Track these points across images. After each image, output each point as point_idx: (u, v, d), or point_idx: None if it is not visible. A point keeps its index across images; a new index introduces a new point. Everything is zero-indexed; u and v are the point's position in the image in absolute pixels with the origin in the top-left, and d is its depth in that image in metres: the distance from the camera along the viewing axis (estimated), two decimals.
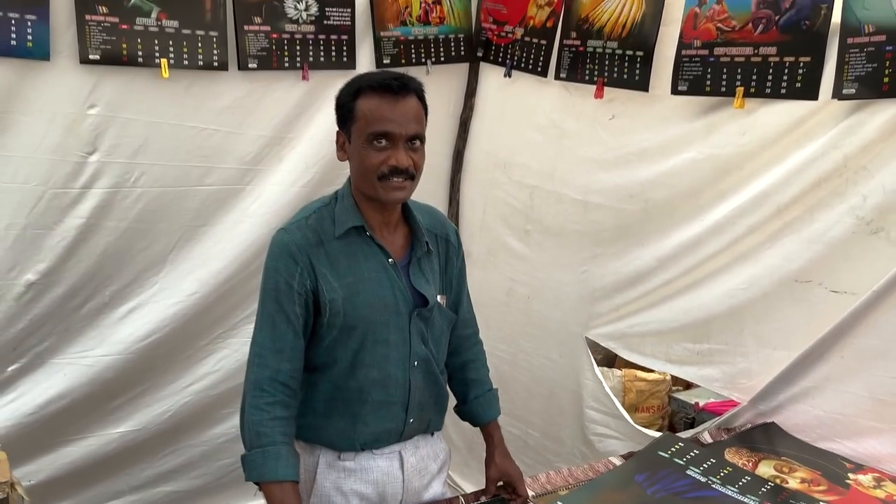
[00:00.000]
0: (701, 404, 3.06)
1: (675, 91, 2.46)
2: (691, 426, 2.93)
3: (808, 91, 2.18)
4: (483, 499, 1.92)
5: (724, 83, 2.35)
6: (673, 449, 2.14)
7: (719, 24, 2.34)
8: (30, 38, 2.29)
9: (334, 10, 2.79)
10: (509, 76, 3.04)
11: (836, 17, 2.10)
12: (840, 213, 2.16)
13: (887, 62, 1.99)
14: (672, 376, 3.15)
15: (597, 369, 2.91)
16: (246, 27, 2.64)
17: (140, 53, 2.47)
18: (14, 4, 2.26)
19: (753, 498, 1.90)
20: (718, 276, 2.46)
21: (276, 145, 2.81)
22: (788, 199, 2.26)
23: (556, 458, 3.04)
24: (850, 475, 2.04)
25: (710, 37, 2.36)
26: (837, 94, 2.10)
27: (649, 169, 2.62)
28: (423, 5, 3.00)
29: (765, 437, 2.24)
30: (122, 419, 2.80)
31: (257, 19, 2.65)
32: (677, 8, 2.45)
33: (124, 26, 2.43)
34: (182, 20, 2.51)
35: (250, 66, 2.66)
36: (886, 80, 2.00)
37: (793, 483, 2.00)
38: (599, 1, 2.67)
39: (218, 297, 2.82)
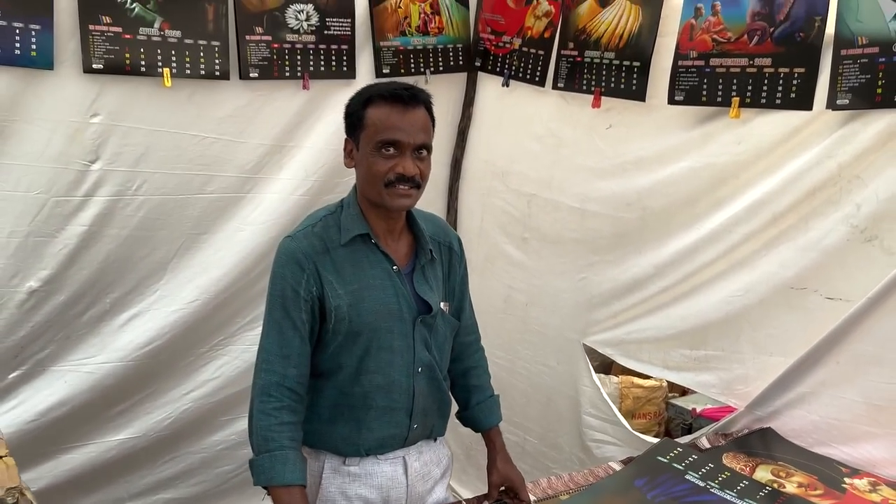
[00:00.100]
0: (698, 410, 3.09)
1: (671, 101, 2.50)
2: (688, 432, 2.96)
3: (803, 101, 2.21)
4: (486, 503, 1.94)
5: (719, 93, 2.39)
6: (672, 454, 2.16)
7: (715, 36, 2.38)
8: (34, 47, 2.30)
9: (335, 20, 2.82)
10: (507, 86, 3.07)
11: (830, 29, 2.14)
12: (834, 222, 2.19)
13: (880, 73, 2.03)
14: (668, 383, 3.18)
15: (594, 376, 2.93)
16: (247, 37, 2.66)
17: (143, 63, 2.49)
18: (18, 14, 2.27)
19: (751, 502, 1.93)
20: (715, 284, 2.49)
21: (277, 154, 2.83)
22: (784, 207, 2.29)
23: (554, 464, 3.06)
24: (847, 479, 2.07)
25: (707, 48, 2.40)
26: (831, 104, 2.14)
27: (646, 177, 2.65)
28: (422, 16, 3.03)
29: (762, 443, 2.27)
30: (123, 426, 2.80)
31: (259, 29, 2.68)
32: (674, 20, 2.49)
33: (127, 36, 2.45)
34: (184, 30, 2.54)
35: (251, 75, 2.68)
36: (879, 90, 2.04)
37: (790, 487, 2.03)
38: (597, 12, 2.71)
39: (218, 305, 2.84)
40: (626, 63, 2.63)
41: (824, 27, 2.15)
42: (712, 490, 1.98)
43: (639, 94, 2.60)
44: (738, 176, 2.41)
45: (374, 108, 1.67)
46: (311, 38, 2.79)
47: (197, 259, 2.78)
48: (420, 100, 1.70)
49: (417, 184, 1.69)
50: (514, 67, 3.04)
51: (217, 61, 2.61)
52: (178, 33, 2.53)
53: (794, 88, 2.23)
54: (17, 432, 2.55)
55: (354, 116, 1.72)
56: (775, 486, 2.03)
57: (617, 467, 2.15)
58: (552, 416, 3.09)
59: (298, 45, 2.77)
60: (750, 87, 2.32)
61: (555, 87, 2.88)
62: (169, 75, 2.52)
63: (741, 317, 2.43)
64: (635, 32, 2.59)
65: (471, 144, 3.30)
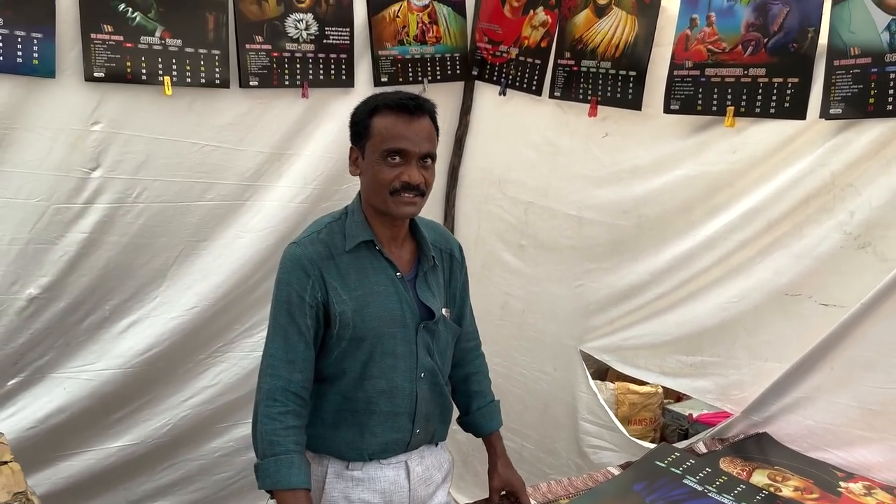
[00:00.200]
0: (694, 416, 3.11)
1: (667, 110, 2.53)
2: (685, 437, 2.98)
3: (797, 111, 2.25)
4: None
5: (714, 103, 2.42)
6: (670, 459, 2.19)
7: (710, 46, 2.42)
8: (36, 55, 2.32)
9: (334, 29, 2.85)
10: (504, 94, 3.10)
11: (823, 39, 2.17)
12: (828, 229, 2.22)
13: (872, 83, 2.07)
14: (664, 388, 3.20)
15: (591, 382, 2.95)
16: (247, 46, 2.68)
17: (144, 71, 2.50)
18: (20, 22, 2.29)
19: None
20: (711, 290, 2.52)
21: (276, 161, 2.85)
22: (778, 215, 2.32)
23: (551, 470, 3.07)
24: (842, 483, 2.10)
25: (702, 58, 2.44)
26: (825, 113, 2.17)
27: (642, 185, 2.68)
28: (419, 25, 3.06)
29: (758, 447, 2.29)
30: (121, 433, 2.81)
31: (259, 38, 2.70)
32: (669, 30, 2.52)
33: (129, 45, 2.47)
34: (185, 39, 2.56)
35: (251, 83, 2.71)
36: (872, 100, 2.07)
37: (786, 491, 2.05)
38: (593, 22, 2.74)
39: (217, 312, 2.85)
40: (623, 72, 2.66)
41: (817, 38, 2.19)
42: (710, 494, 2.00)
43: (635, 103, 2.63)
44: (732, 184, 2.44)
45: (381, 117, 1.70)
46: (311, 46, 2.81)
47: (196, 266, 2.79)
48: (425, 109, 1.72)
49: (422, 192, 1.72)
50: (510, 76, 3.07)
51: (217, 70, 2.63)
52: (178, 42, 2.55)
53: (787, 98, 2.27)
54: (17, 439, 2.55)
55: (360, 125, 1.74)
56: (772, 489, 2.05)
57: (616, 472, 2.17)
58: (549, 423, 3.11)
59: (298, 54, 2.79)
60: (744, 97, 2.35)
61: (551, 95, 2.90)
62: (169, 84, 2.54)
63: (737, 323, 2.45)
64: (631, 42, 2.63)
65: (468, 152, 3.33)
